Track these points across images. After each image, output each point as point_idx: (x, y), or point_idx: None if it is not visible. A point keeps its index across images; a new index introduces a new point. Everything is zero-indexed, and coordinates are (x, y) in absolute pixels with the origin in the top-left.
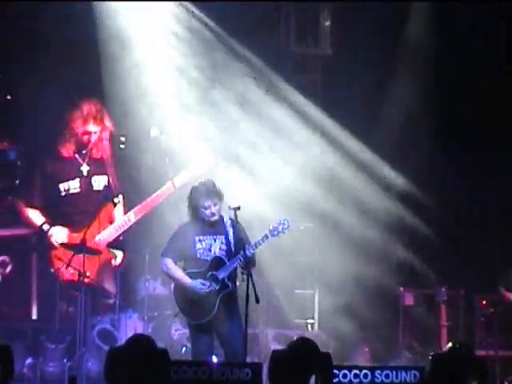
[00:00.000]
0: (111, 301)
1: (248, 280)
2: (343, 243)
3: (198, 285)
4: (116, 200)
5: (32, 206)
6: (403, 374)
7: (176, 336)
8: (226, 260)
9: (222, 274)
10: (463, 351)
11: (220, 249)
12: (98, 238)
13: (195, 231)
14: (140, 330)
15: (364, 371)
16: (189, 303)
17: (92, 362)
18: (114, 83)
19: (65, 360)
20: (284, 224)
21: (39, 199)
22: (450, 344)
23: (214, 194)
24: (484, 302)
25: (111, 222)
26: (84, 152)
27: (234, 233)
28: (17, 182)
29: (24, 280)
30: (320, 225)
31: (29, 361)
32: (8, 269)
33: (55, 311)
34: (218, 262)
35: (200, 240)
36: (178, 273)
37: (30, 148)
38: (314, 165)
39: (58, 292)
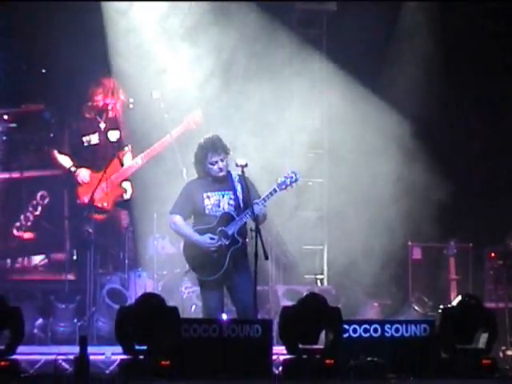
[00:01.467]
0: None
1: (256, 236)
2: (352, 198)
3: (207, 240)
4: (126, 149)
5: (63, 153)
6: (413, 327)
7: (186, 294)
8: (234, 215)
9: (231, 230)
10: (472, 304)
11: (229, 204)
12: (112, 177)
13: (203, 188)
14: (150, 289)
15: (374, 325)
16: (199, 260)
17: (102, 321)
18: (121, 53)
19: (75, 320)
20: (292, 177)
21: (68, 148)
22: (459, 297)
23: (221, 148)
24: (493, 255)
25: (122, 165)
26: (102, 114)
27: (242, 188)
28: (51, 135)
29: (58, 209)
30: (329, 180)
31: (39, 321)
32: (46, 201)
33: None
34: (226, 218)
35: (208, 196)
36: (187, 229)
37: (60, 110)
38: (322, 119)
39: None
